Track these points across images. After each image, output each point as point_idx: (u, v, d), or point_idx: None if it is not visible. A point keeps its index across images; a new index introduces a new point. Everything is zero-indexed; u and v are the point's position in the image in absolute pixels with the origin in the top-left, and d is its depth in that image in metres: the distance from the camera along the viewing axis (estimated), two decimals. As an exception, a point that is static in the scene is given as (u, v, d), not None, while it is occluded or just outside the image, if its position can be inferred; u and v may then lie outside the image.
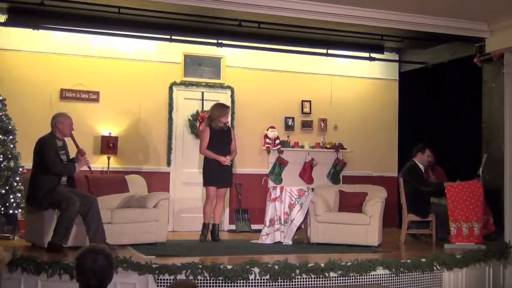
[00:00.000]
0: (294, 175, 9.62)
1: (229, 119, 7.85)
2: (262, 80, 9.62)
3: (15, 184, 7.13)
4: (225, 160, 7.64)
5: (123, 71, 8.95)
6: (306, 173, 9.68)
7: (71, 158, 6.61)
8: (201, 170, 8.86)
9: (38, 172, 6.41)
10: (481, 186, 7.38)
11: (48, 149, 6.36)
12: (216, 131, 7.73)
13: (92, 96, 8.75)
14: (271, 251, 6.72)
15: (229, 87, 9.40)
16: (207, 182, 7.70)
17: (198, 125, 9.16)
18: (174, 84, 9.16)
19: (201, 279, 5.29)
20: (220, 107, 7.85)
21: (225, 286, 5.36)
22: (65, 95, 8.61)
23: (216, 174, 7.65)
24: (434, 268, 6.12)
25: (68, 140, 6.66)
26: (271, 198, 7.72)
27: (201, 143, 7.81)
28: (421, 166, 8.14)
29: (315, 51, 9.55)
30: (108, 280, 3.11)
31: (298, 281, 5.55)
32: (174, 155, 9.12)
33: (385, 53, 10.01)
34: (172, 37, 8.76)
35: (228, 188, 8.17)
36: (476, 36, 8.41)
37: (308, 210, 7.57)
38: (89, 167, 6.62)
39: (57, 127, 6.48)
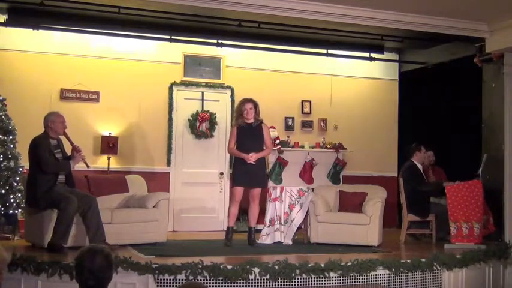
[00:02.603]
0: (294, 175, 9.61)
1: (252, 113, 7.28)
2: (262, 80, 9.61)
3: (15, 184, 7.13)
4: (248, 158, 7.15)
5: (123, 71, 8.95)
6: (306, 173, 9.67)
7: (68, 155, 6.62)
8: (203, 170, 8.91)
9: (34, 172, 6.43)
10: (481, 186, 7.39)
11: (40, 148, 6.38)
12: (244, 128, 7.32)
13: (92, 96, 8.75)
14: (271, 251, 6.72)
15: (229, 87, 9.40)
16: (232, 182, 7.43)
17: (198, 125, 9.16)
18: (174, 84, 9.16)
19: (201, 279, 5.29)
20: (240, 103, 7.49)
21: (225, 286, 5.36)
22: (65, 95, 8.61)
23: (243, 173, 7.23)
24: (434, 268, 6.12)
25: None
26: (271, 198, 7.71)
27: (228, 142, 7.53)
28: (419, 165, 8.14)
29: (315, 51, 9.55)
30: (107, 280, 3.12)
31: (298, 281, 5.55)
32: (174, 155, 9.11)
33: (385, 53, 10.00)
34: (172, 37, 8.76)
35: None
36: (476, 36, 8.41)
37: (308, 210, 7.57)
38: (85, 163, 6.64)
39: (49, 126, 6.51)
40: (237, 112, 7.45)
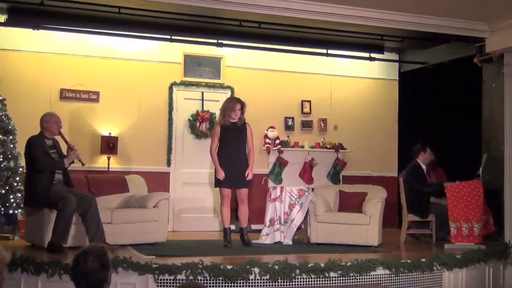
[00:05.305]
0: (294, 175, 9.61)
1: (239, 114, 7.20)
2: (262, 80, 9.61)
3: (15, 184, 7.13)
4: (220, 174, 7.08)
5: (123, 71, 8.95)
6: (306, 173, 9.67)
7: (65, 155, 6.63)
8: (203, 170, 8.87)
9: (31, 172, 6.46)
10: (481, 186, 7.38)
11: (34, 147, 6.41)
12: (228, 128, 7.21)
13: (92, 96, 8.75)
14: (271, 251, 6.72)
15: (229, 87, 9.40)
16: (217, 183, 7.23)
17: (198, 125, 9.16)
18: (174, 84, 9.16)
19: (201, 279, 5.29)
20: (228, 101, 7.43)
21: (225, 286, 5.36)
22: (65, 95, 8.61)
23: (228, 173, 7.10)
24: (434, 268, 6.12)
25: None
26: (271, 198, 7.71)
27: (211, 141, 7.39)
28: (423, 166, 8.14)
29: (315, 51, 9.55)
30: (101, 282, 3.04)
31: (298, 281, 5.55)
32: (174, 155, 9.12)
33: (385, 53, 10.01)
34: (172, 37, 8.77)
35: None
36: (476, 36, 8.41)
37: (308, 210, 7.57)
38: (79, 160, 6.64)
39: (44, 126, 6.55)
40: (224, 110, 7.30)
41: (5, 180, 7.06)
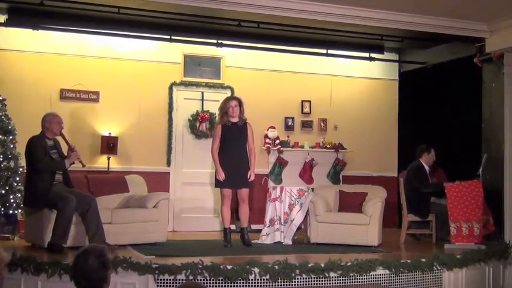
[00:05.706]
0: (294, 175, 9.61)
1: (237, 111, 7.15)
2: (262, 80, 9.61)
3: (15, 184, 7.14)
4: (221, 176, 7.06)
5: (123, 71, 8.95)
6: (306, 173, 9.67)
7: (65, 156, 6.63)
8: (203, 170, 8.85)
9: (31, 172, 6.45)
10: (481, 186, 7.38)
11: (35, 147, 6.42)
12: (228, 127, 7.17)
13: (92, 96, 8.75)
14: (271, 251, 6.72)
15: (229, 87, 9.40)
16: (218, 183, 7.17)
17: (198, 125, 9.16)
18: (174, 84, 9.16)
19: (201, 279, 5.29)
20: (225, 101, 7.37)
21: (225, 286, 5.36)
22: (65, 95, 8.61)
23: (228, 174, 7.07)
24: (434, 268, 6.12)
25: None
26: (271, 198, 7.71)
27: (212, 141, 7.36)
28: (426, 167, 8.13)
29: (315, 51, 9.55)
30: (101, 281, 3.04)
31: (298, 281, 5.55)
32: (174, 155, 9.12)
33: (385, 53, 10.00)
34: (172, 37, 8.77)
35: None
36: (476, 36, 8.42)
37: (308, 210, 7.57)
38: (80, 162, 6.64)
39: (46, 127, 6.54)
40: (222, 110, 7.27)
41: (5, 180, 7.06)
